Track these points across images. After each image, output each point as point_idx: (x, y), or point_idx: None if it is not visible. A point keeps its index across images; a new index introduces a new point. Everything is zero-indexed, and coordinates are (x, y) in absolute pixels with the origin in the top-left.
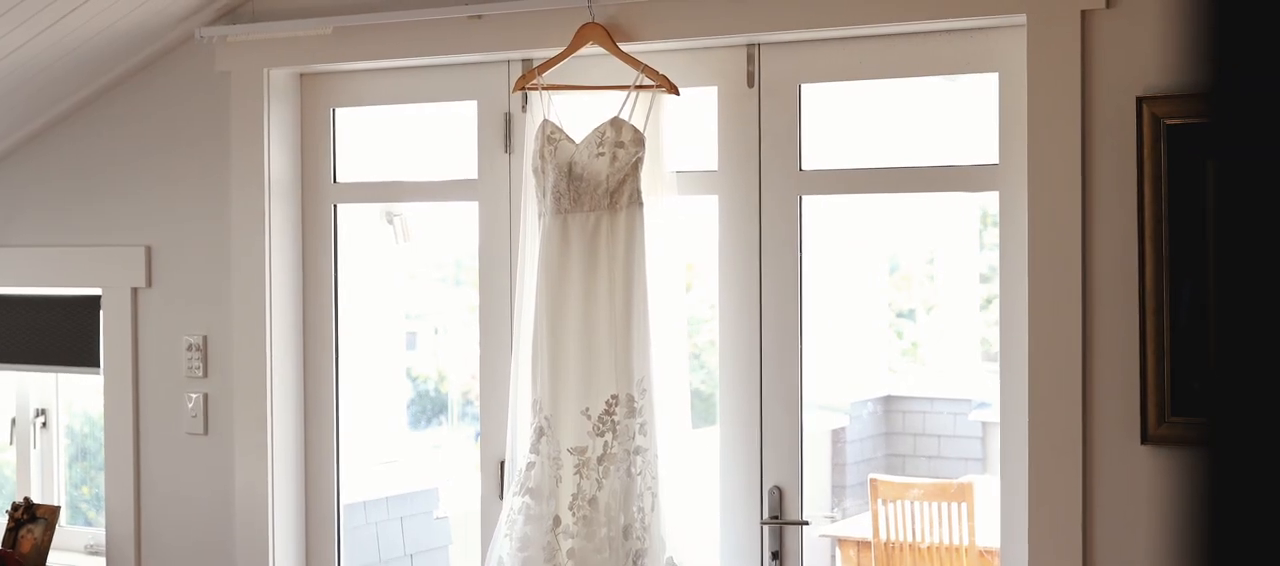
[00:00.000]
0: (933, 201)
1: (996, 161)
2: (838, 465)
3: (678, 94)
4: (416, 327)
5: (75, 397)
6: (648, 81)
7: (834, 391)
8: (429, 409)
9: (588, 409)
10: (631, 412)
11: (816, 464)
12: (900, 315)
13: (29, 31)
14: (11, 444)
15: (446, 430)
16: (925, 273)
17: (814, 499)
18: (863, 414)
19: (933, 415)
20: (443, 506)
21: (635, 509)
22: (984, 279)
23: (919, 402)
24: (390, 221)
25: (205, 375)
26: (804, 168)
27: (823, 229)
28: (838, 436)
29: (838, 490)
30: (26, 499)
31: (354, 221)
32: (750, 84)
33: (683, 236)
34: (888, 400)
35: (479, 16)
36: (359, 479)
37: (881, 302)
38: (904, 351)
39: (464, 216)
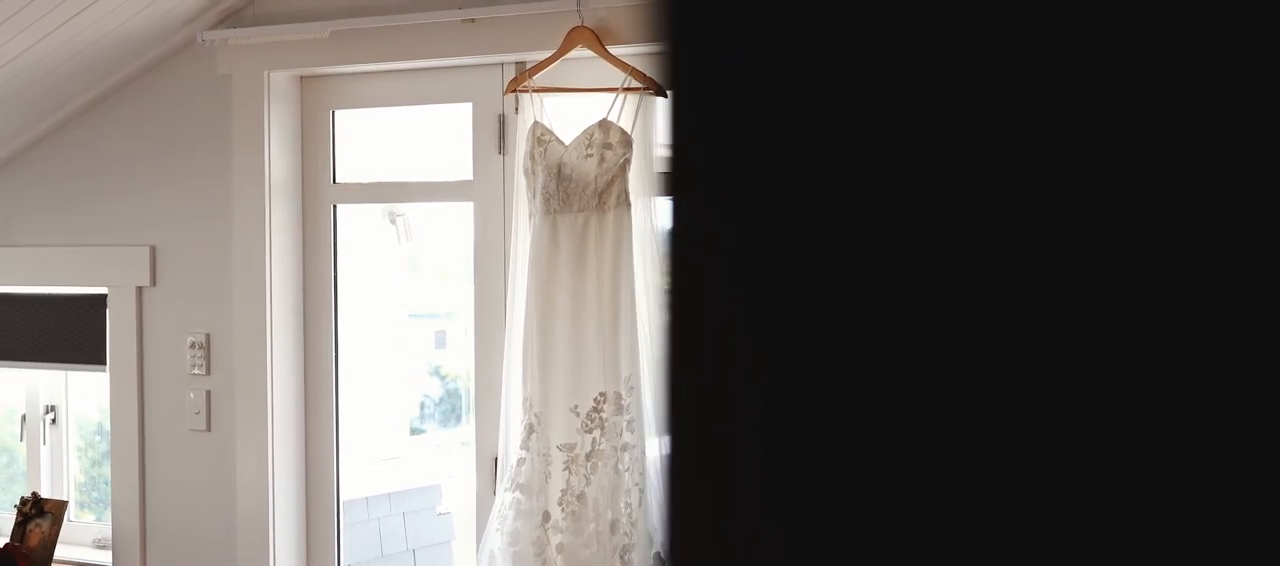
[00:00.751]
0: None
1: None
2: None
3: (665, 96)
4: (446, 327)
5: (105, 396)
6: (635, 83)
7: None
8: (459, 407)
9: (576, 406)
10: (619, 410)
11: None
12: None
13: (35, 35)
14: (22, 440)
15: (470, 428)
16: None
17: None
18: None
19: None
20: (445, 502)
21: (623, 504)
22: None
23: None
24: (393, 222)
25: (208, 372)
26: None
27: None
28: None
29: None
30: (35, 493)
31: (359, 222)
32: None
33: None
34: None
35: (472, 21)
36: (364, 475)
37: None
38: None
39: (465, 216)
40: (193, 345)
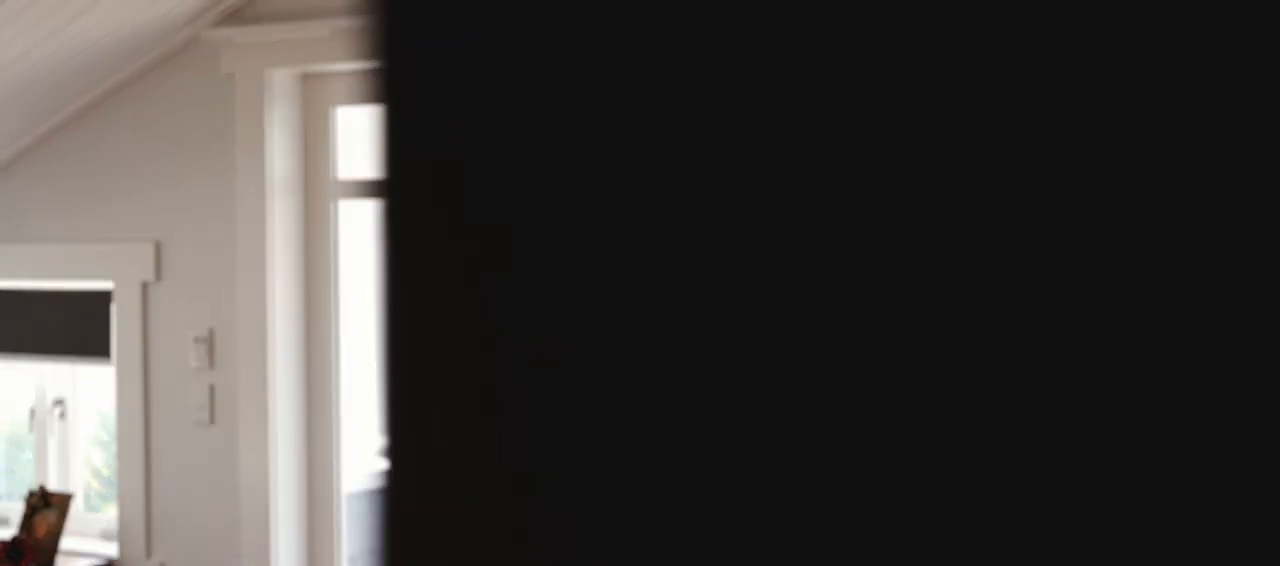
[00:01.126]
0: None
1: None
2: None
3: None
4: None
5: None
6: None
7: None
8: None
9: None
10: None
11: None
12: None
13: (39, 33)
14: (31, 432)
15: None
16: None
17: None
18: None
19: None
20: None
21: None
22: None
23: None
24: None
25: (211, 366)
26: None
27: None
28: None
29: None
30: (42, 487)
31: (364, 218)
32: None
33: None
34: None
35: None
36: (368, 468)
37: None
38: None
39: None
40: (196, 340)
